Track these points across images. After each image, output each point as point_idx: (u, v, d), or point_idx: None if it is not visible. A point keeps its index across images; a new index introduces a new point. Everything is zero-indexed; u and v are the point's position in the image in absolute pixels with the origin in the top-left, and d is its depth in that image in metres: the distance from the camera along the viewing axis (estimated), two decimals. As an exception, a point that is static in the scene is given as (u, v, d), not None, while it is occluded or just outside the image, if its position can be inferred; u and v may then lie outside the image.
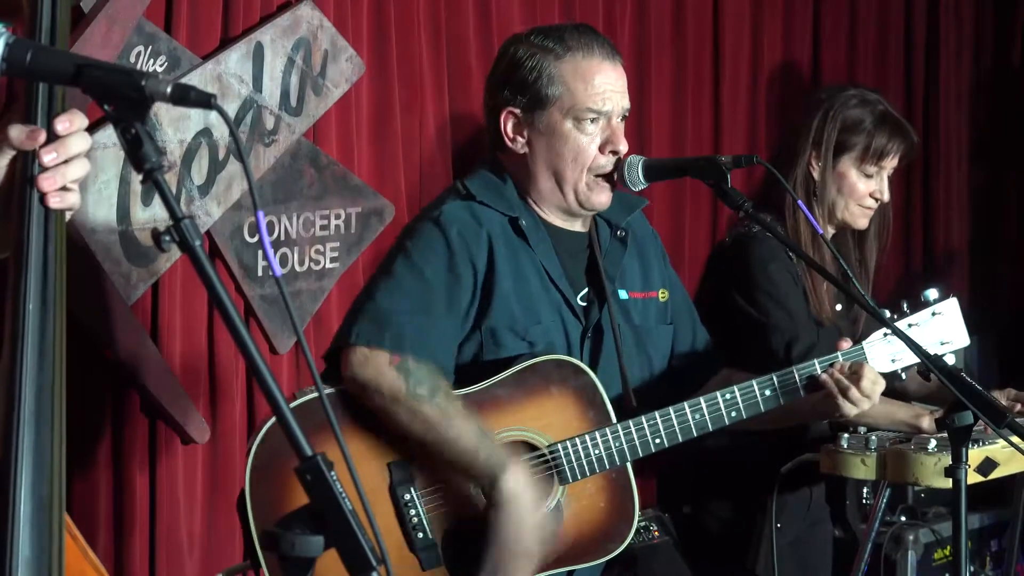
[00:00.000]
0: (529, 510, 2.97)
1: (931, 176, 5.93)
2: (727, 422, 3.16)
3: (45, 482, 2.08)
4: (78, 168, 2.07)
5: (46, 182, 2.05)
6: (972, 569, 4.54)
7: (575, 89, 3.13)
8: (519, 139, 3.18)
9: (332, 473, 1.84)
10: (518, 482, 2.96)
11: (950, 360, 3.29)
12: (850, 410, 3.17)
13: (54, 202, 2.07)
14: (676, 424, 3.12)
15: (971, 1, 6.07)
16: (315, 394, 2.96)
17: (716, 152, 5.06)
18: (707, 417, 3.14)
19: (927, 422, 3.80)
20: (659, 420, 3.11)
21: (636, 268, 3.34)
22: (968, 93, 6.08)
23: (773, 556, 3.78)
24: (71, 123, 2.06)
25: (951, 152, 5.99)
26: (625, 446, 3.09)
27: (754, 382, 3.18)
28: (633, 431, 3.09)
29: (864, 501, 4.33)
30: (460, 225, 3.11)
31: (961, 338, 3.38)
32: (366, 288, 3.13)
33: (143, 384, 3.64)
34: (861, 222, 3.95)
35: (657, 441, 3.11)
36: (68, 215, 2.14)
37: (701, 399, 3.15)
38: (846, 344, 3.24)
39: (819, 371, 3.20)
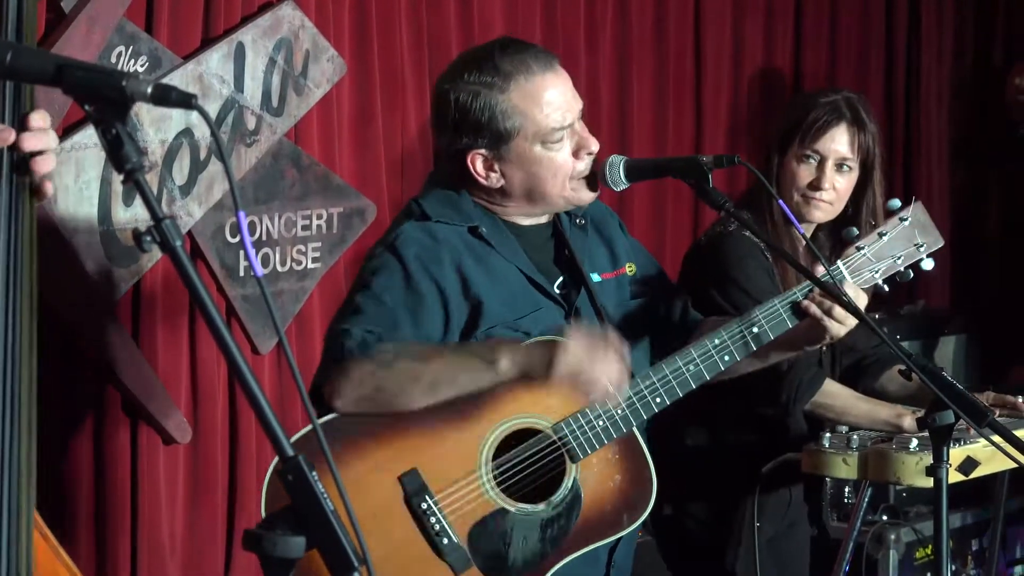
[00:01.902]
0: (541, 353, 2.99)
1: (912, 176, 5.95)
2: (722, 367, 3.15)
3: (14, 482, 2.07)
4: (49, 162, 2.08)
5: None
6: (953, 568, 4.55)
7: (531, 114, 3.08)
8: (492, 175, 3.13)
9: (313, 473, 1.84)
10: (514, 358, 2.98)
11: (928, 264, 3.30)
12: (838, 330, 3.16)
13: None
14: (673, 380, 3.11)
15: (952, 2, 6.08)
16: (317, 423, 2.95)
17: (697, 152, 5.07)
18: (702, 366, 3.13)
19: (908, 422, 3.80)
20: (655, 379, 3.10)
21: (602, 250, 3.34)
22: (949, 93, 6.10)
23: (755, 556, 3.78)
24: (44, 120, 2.06)
25: (932, 152, 6.01)
26: (628, 411, 3.08)
27: (739, 322, 3.18)
28: (632, 395, 3.09)
29: (846, 500, 4.33)
30: (417, 247, 3.09)
31: (935, 239, 3.37)
32: (334, 323, 3.10)
33: (124, 384, 3.63)
34: (815, 215, 3.90)
35: (658, 400, 3.10)
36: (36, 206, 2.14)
37: (692, 349, 3.14)
38: (821, 268, 3.22)
39: (800, 297, 3.21)
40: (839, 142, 3.86)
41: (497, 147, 3.11)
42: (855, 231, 3.31)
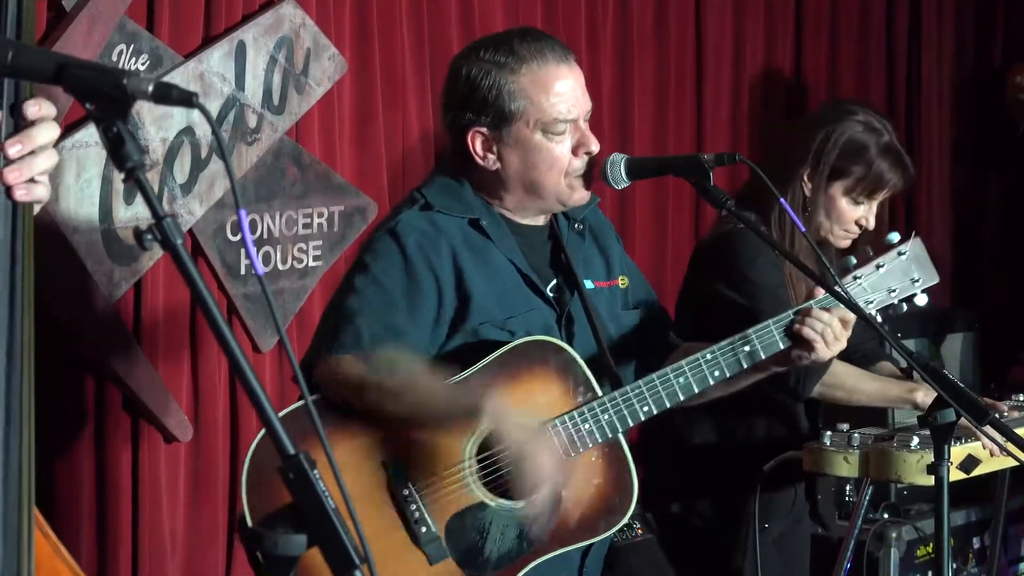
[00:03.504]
0: (525, 420, 2.99)
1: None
2: (711, 382, 3.16)
3: (14, 480, 2.07)
4: (46, 159, 2.03)
5: (11, 175, 2.00)
6: (954, 566, 4.55)
7: (538, 100, 3.10)
8: (490, 156, 3.15)
9: (315, 471, 1.84)
10: (498, 406, 2.97)
11: (922, 300, 3.32)
12: (826, 354, 3.18)
13: (20, 195, 2.01)
14: (661, 390, 3.12)
15: (952, 1, 6.08)
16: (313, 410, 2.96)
17: (698, 151, 5.06)
18: (691, 379, 3.14)
19: (921, 395, 3.78)
20: (644, 388, 3.11)
21: (597, 258, 3.35)
22: (950, 93, 6.09)
23: (757, 555, 3.78)
24: (40, 108, 2.03)
25: (933, 153, 6.01)
26: (615, 417, 3.09)
27: (735, 339, 3.18)
28: (620, 402, 3.10)
29: (847, 499, 4.33)
30: (418, 235, 3.10)
31: (931, 275, 3.37)
32: (330, 304, 3.13)
33: (125, 382, 3.63)
34: (843, 243, 3.92)
35: (645, 409, 3.11)
36: (36, 208, 2.11)
37: (683, 363, 3.15)
38: (820, 292, 3.23)
39: (793, 320, 3.22)
40: (891, 192, 3.92)
41: (499, 127, 3.12)
42: (853, 260, 3.32)
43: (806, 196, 3.88)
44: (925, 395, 3.77)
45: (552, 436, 3.05)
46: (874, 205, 3.89)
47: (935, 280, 3.38)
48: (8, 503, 2.07)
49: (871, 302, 3.30)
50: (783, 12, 5.46)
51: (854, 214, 3.87)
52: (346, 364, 2.99)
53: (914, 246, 3.37)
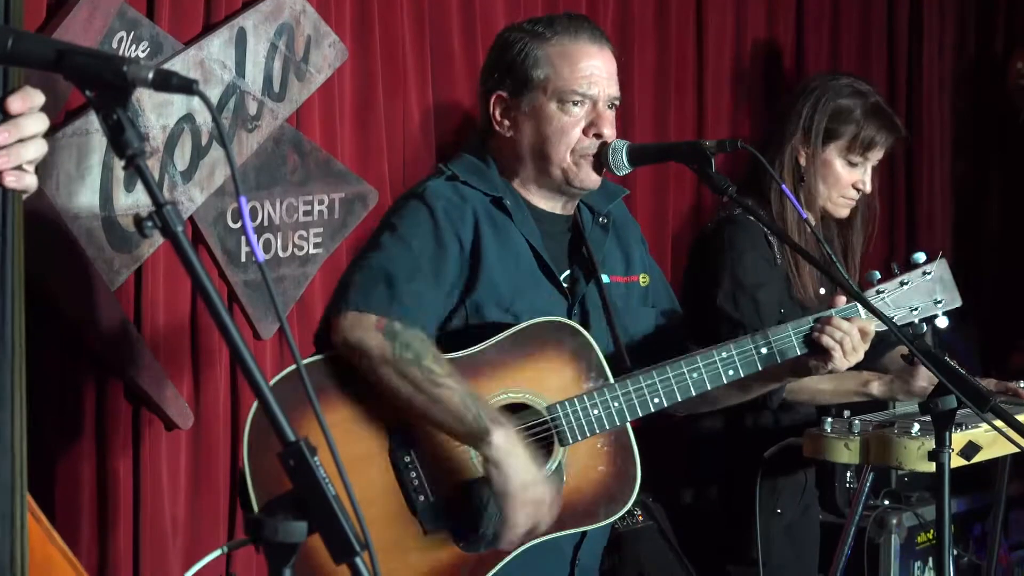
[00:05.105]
0: (526, 463, 2.96)
1: (914, 169, 5.95)
2: (724, 381, 3.17)
3: (6, 465, 2.07)
4: (34, 149, 2.02)
5: (1, 160, 2.00)
6: (955, 553, 4.56)
7: (560, 71, 3.15)
8: (506, 122, 3.21)
9: (315, 458, 1.84)
10: (509, 439, 2.95)
11: (943, 322, 3.34)
12: (843, 364, 3.19)
13: (10, 181, 2.00)
14: (674, 383, 3.13)
15: (953, -8, 6.08)
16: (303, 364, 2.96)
17: (699, 137, 5.06)
18: (704, 376, 3.15)
19: (876, 387, 3.80)
20: (657, 380, 3.12)
21: (617, 254, 3.36)
22: (951, 84, 6.09)
23: (758, 540, 3.79)
24: (24, 102, 2.02)
25: (934, 145, 6.01)
26: (624, 406, 3.10)
27: (749, 340, 3.19)
28: (632, 391, 3.10)
29: (848, 485, 4.34)
30: (445, 201, 3.15)
31: (953, 298, 3.40)
32: (353, 262, 3.16)
33: (126, 370, 3.63)
34: (842, 211, 3.96)
35: (656, 401, 3.12)
36: (23, 196, 2.11)
37: (698, 358, 3.16)
38: (841, 300, 3.25)
39: (812, 327, 3.23)
40: (883, 151, 3.94)
41: (519, 93, 3.19)
42: (877, 275, 3.35)
43: (801, 165, 3.91)
44: (880, 386, 3.79)
45: (554, 484, 3.03)
46: (869, 167, 3.94)
47: (958, 303, 3.40)
48: (0, 489, 2.07)
49: (892, 317, 3.31)
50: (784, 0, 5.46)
51: (851, 177, 3.92)
52: (372, 332, 2.98)
53: (939, 267, 3.40)
